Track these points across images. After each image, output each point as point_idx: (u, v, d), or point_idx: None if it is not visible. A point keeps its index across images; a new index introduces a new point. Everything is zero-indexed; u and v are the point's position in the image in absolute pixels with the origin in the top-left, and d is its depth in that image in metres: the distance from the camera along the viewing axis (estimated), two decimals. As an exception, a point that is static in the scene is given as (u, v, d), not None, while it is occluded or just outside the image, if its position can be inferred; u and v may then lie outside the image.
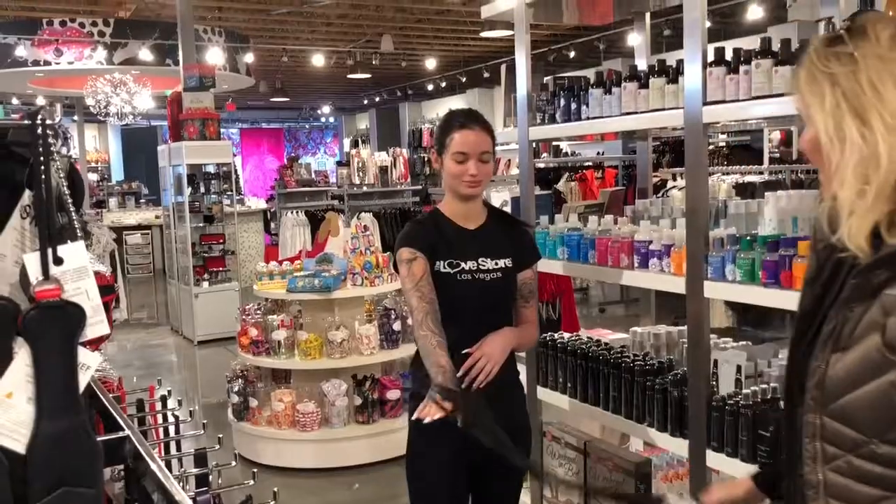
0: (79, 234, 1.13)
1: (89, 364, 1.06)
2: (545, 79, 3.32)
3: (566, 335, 3.15)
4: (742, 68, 2.21)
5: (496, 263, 2.42)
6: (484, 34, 10.75)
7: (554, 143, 11.78)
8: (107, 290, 3.17)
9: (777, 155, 9.46)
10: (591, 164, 10.41)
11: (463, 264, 2.39)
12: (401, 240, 2.42)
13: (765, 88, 2.14)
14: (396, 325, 4.84)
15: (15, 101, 15.86)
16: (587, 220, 2.99)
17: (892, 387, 1.13)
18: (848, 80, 1.18)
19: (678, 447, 2.55)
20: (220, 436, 1.93)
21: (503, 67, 3.43)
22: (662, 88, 2.51)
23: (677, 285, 2.49)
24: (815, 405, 1.23)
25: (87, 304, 1.06)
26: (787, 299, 2.12)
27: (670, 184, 7.25)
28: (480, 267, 2.40)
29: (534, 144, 3.11)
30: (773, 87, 2.13)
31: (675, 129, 2.86)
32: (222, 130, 17.00)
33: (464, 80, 14.59)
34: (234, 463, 1.52)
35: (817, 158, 1.24)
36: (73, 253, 1.07)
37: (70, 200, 1.14)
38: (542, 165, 10.05)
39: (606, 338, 3.20)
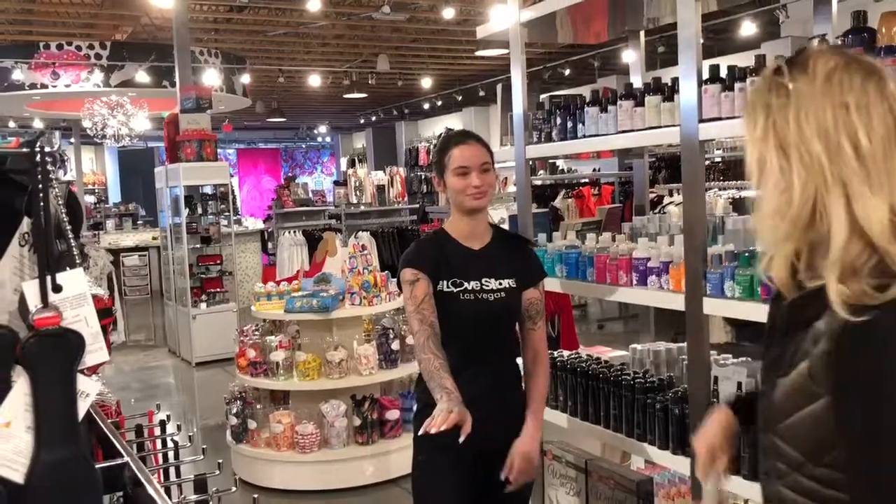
0: (77, 261, 1.13)
1: (88, 392, 1.06)
2: (541, 97, 3.34)
3: (565, 353, 3.14)
4: (737, 86, 2.22)
5: (500, 283, 2.43)
6: (479, 53, 10.81)
7: (550, 161, 11.81)
8: (105, 314, 3.16)
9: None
10: (587, 180, 10.44)
11: (466, 284, 2.40)
12: (404, 260, 2.44)
13: (760, 105, 2.15)
14: (395, 345, 4.83)
15: (12, 123, 15.90)
16: (585, 237, 2.99)
17: (815, 416, 1.19)
18: (779, 113, 1.21)
19: (679, 465, 2.53)
20: (220, 461, 1.92)
21: (499, 86, 3.47)
22: (658, 106, 2.52)
23: (676, 302, 2.48)
24: (765, 425, 1.30)
25: (86, 331, 1.05)
26: (787, 315, 2.12)
27: (667, 199, 7.27)
28: (484, 287, 2.41)
29: (530, 162, 3.12)
30: (768, 104, 2.14)
31: (670, 146, 2.87)
32: (219, 151, 17.04)
33: (460, 98, 14.65)
34: (234, 489, 1.51)
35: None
36: (72, 280, 1.07)
37: (69, 227, 1.14)
38: (538, 182, 10.08)
39: (606, 355, 3.19)
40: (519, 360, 2.61)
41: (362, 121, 19.34)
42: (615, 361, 3.05)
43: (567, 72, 12.02)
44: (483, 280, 2.41)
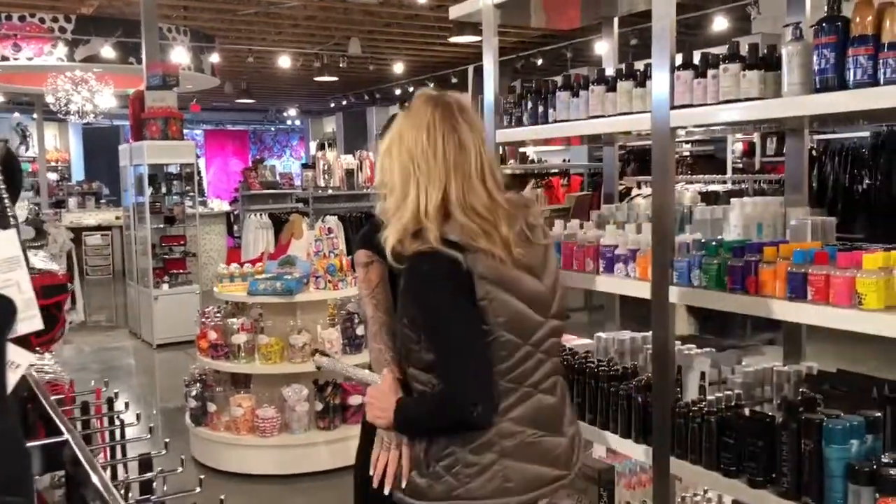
0: (11, 223, 1.06)
1: (19, 362, 1.00)
2: (514, 83, 3.29)
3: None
4: (710, 72, 2.19)
5: None
6: (453, 39, 10.74)
7: (520, 150, 11.79)
8: (60, 290, 3.07)
9: (740, 165, 9.58)
10: (557, 171, 10.44)
11: None
12: (359, 241, 2.35)
13: (732, 93, 2.13)
14: (360, 330, 4.78)
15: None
16: (552, 224, 2.96)
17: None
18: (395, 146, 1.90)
19: (641, 454, 2.52)
20: (167, 440, 1.85)
21: (470, 69, 3.39)
22: (630, 92, 2.50)
23: (643, 290, 2.47)
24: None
25: (17, 297, 0.99)
26: (753, 305, 2.11)
27: (635, 191, 7.28)
28: None
29: (500, 148, 3.08)
30: (740, 91, 2.12)
31: (640, 136, 2.84)
32: (186, 131, 16.78)
33: (431, 85, 14.56)
34: (180, 469, 1.46)
35: None
36: (4, 242, 1.00)
37: (3, 187, 1.07)
38: (507, 171, 10.04)
39: (570, 343, 3.17)
40: None
41: (332, 105, 19.17)
42: (579, 349, 3.03)
43: (540, 61, 12.00)
44: None
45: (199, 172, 14.92)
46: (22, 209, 7.14)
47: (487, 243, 1.77)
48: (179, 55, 10.13)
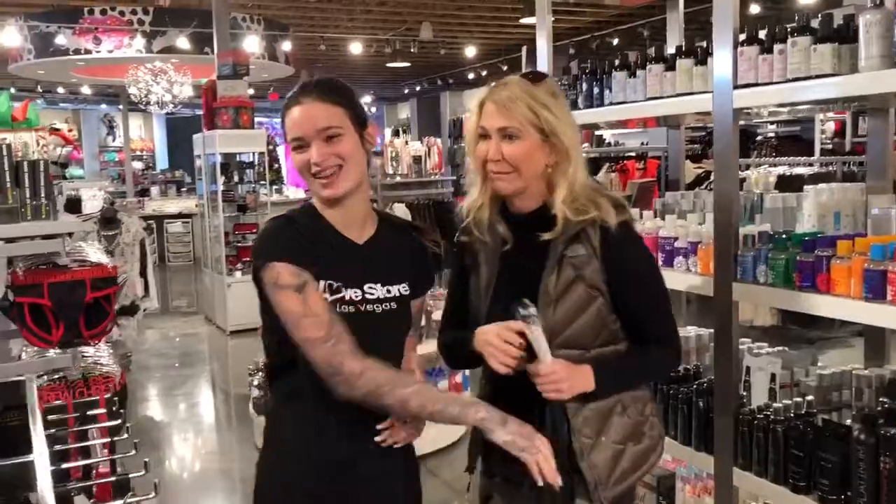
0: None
1: None
2: (571, 63, 3.12)
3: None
4: (776, 47, 1.98)
5: (388, 291, 1.75)
6: (524, 20, 10.50)
7: (597, 133, 11.49)
8: (109, 282, 3.06)
9: (830, 146, 9.05)
10: (634, 154, 10.09)
11: (344, 291, 1.70)
12: (273, 247, 1.68)
13: (802, 69, 1.92)
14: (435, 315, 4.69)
15: (60, 90, 16.10)
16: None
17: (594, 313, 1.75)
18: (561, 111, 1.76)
19: (703, 463, 2.34)
20: (147, 460, 1.77)
21: (523, 50, 3.17)
22: (690, 71, 2.30)
23: (704, 286, 2.28)
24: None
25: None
26: (824, 305, 1.90)
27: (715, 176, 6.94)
28: (367, 296, 1.72)
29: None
30: (811, 67, 1.90)
31: (699, 116, 2.63)
32: (265, 120, 16.96)
33: (505, 68, 14.32)
34: (153, 495, 1.37)
35: (532, 158, 1.73)
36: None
37: None
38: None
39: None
40: None
41: (406, 91, 19.12)
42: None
43: (615, 41, 11.62)
44: (367, 286, 1.72)
45: (277, 160, 15.16)
46: (97, 198, 7.31)
47: None
48: (252, 44, 10.22)
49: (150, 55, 10.56)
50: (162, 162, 20.03)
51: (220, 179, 8.52)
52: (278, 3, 10.88)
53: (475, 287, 1.86)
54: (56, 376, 2.99)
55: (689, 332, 2.75)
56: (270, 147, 15.99)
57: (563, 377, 1.68)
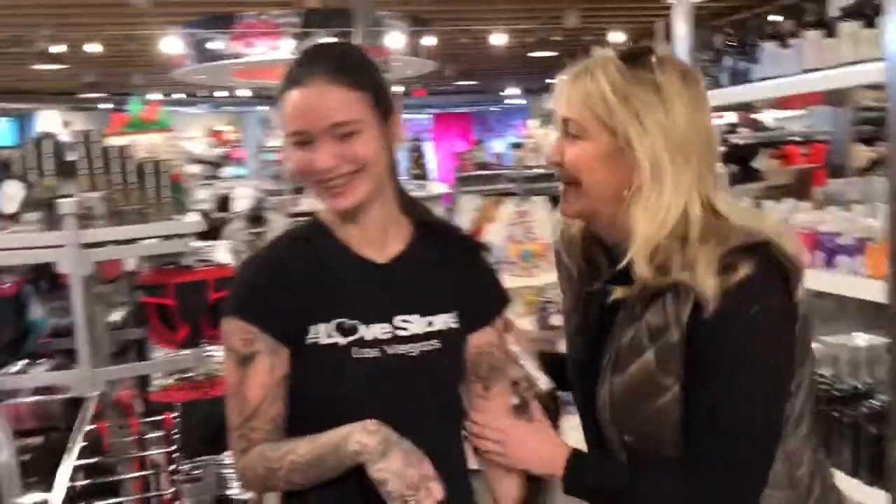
0: None
1: None
2: (714, 36, 2.79)
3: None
4: (969, -2, 1.61)
5: (430, 324, 1.34)
6: (670, 1, 9.96)
7: (752, 116, 10.73)
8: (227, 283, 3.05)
9: None
10: (797, 138, 9.30)
11: (364, 329, 1.30)
12: (233, 294, 1.34)
13: None
14: (554, 320, 4.45)
15: (221, 93, 16.97)
16: (759, 203, 2.45)
17: (663, 409, 1.23)
18: (653, 109, 1.20)
19: (872, 499, 1.99)
20: None
21: (660, 23, 2.86)
22: (855, 35, 1.94)
23: (874, 291, 1.92)
24: (610, 421, 1.29)
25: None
26: None
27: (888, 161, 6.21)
28: (398, 332, 1.32)
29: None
30: None
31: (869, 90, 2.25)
32: (412, 116, 17.16)
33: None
34: None
35: (596, 170, 1.24)
36: None
37: None
38: (738, 141, 9.12)
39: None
40: None
41: (553, 80, 18.80)
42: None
43: (781, 18, 10.80)
44: (398, 318, 1.32)
45: (423, 156, 15.31)
46: (246, 197, 7.58)
47: None
48: (394, 41, 10.30)
49: (300, 56, 10.89)
50: (317, 159, 20.74)
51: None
52: (421, -1, 10.93)
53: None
54: (181, 376, 3.01)
55: (855, 340, 2.38)
56: (417, 142, 16.23)
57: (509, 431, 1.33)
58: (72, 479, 1.54)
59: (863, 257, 1.97)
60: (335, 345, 1.28)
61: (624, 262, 1.22)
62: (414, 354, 1.31)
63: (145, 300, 2.87)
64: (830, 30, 2.01)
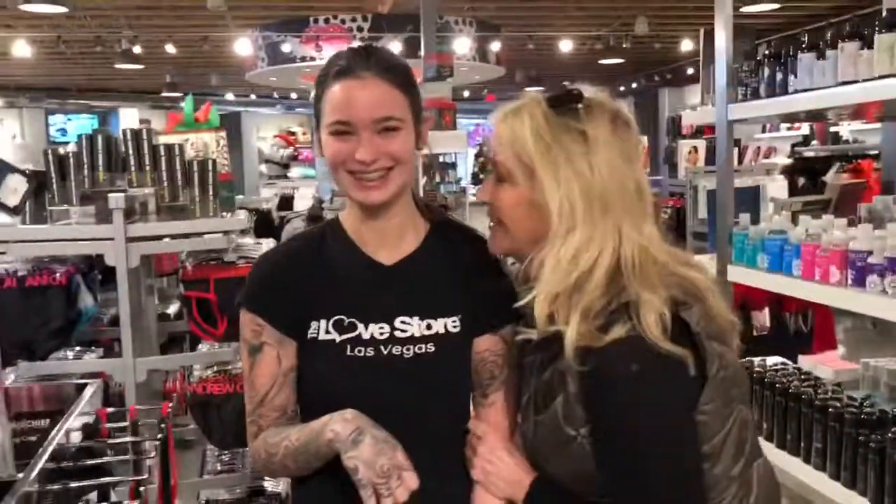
0: None
1: None
2: (757, 45, 2.73)
3: (768, 361, 2.55)
4: None
5: (428, 326, 1.36)
6: (745, 9, 9.70)
7: (832, 129, 10.41)
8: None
9: None
10: (874, 152, 8.97)
11: (362, 328, 1.34)
12: (247, 287, 1.42)
13: None
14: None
15: (293, 95, 17.32)
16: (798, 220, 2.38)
17: (575, 456, 1.22)
18: (580, 159, 1.21)
19: (896, 528, 1.91)
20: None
21: (701, 32, 2.78)
22: (892, 48, 1.87)
23: (902, 313, 1.85)
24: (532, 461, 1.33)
25: None
26: None
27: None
28: (396, 333, 1.34)
29: (732, 129, 2.54)
30: None
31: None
32: (481, 121, 17.19)
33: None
34: None
35: (517, 215, 1.28)
36: None
37: None
38: (808, 154, 8.86)
39: (830, 367, 2.56)
40: None
41: (622, 88, 18.51)
42: (842, 378, 2.43)
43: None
44: (399, 320, 1.35)
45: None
46: (306, 198, 7.73)
47: None
48: (462, 46, 10.34)
49: (367, 60, 11.04)
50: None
51: (423, 180, 8.68)
52: (490, 4, 10.92)
53: None
54: (219, 369, 3.10)
55: (882, 363, 2.30)
56: (485, 148, 16.25)
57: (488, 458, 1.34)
58: (55, 459, 1.60)
59: (894, 277, 1.90)
60: (332, 341, 1.34)
61: (522, 303, 1.25)
62: (408, 356, 1.34)
63: (187, 294, 2.96)
64: (867, 41, 1.95)
